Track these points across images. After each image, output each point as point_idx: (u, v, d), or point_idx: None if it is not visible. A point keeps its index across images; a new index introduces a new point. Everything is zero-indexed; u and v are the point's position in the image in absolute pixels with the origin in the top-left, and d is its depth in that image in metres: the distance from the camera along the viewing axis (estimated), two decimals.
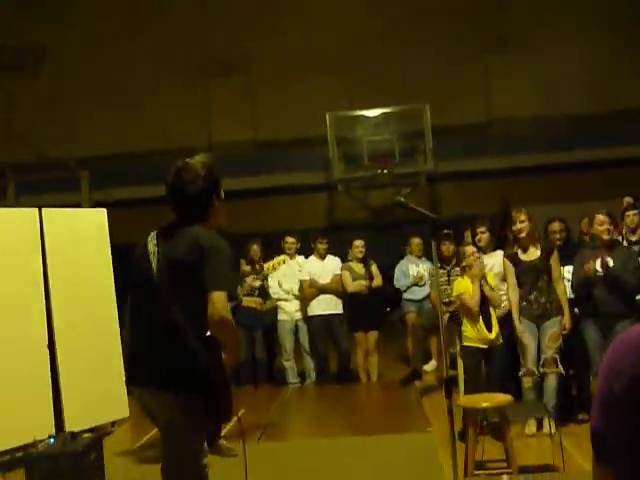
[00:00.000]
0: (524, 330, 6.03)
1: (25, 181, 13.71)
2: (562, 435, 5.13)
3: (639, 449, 1.45)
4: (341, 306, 8.80)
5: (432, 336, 8.80)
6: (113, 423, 7.04)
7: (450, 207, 13.09)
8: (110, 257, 7.15)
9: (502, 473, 4.90)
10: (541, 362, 5.97)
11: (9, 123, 13.89)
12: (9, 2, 13.65)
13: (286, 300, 8.88)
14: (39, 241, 6.49)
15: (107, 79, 13.74)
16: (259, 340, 8.82)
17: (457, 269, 7.41)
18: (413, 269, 9.17)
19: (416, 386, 8.26)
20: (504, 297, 6.40)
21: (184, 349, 3.12)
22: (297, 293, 8.86)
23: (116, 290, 7.03)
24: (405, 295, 9.21)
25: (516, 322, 6.06)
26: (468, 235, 7.58)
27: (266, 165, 13.86)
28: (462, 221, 8.19)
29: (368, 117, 12.81)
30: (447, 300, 7.28)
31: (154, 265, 3.27)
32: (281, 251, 8.63)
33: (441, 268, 7.87)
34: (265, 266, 7.65)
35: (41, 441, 4.78)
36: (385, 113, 12.73)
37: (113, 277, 7.10)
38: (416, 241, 9.26)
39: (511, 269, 6.18)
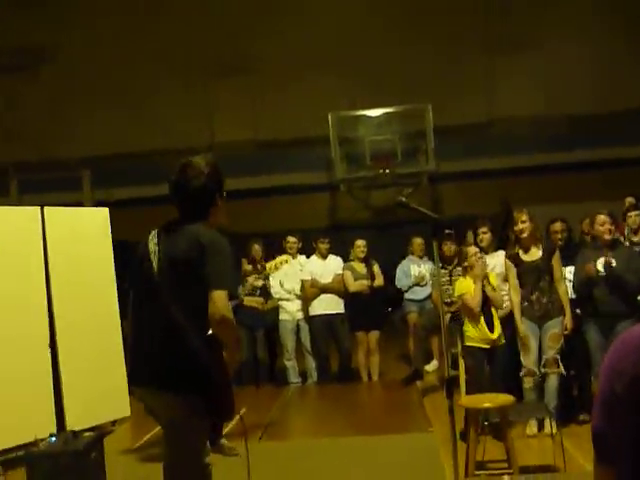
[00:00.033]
0: (526, 330, 6.02)
1: (27, 180, 13.73)
2: (563, 435, 5.13)
3: None
4: (343, 306, 8.79)
5: (433, 336, 8.81)
6: (114, 422, 7.05)
7: (452, 207, 13.08)
8: (112, 256, 7.15)
9: (503, 473, 4.89)
10: (542, 362, 5.96)
11: (11, 123, 13.89)
12: (9, 2, 13.65)
13: (288, 300, 8.88)
14: (41, 240, 6.49)
15: (108, 79, 13.75)
16: (260, 340, 8.83)
17: (459, 269, 7.41)
18: (415, 269, 9.17)
19: (417, 386, 8.27)
20: (506, 297, 6.40)
21: (185, 348, 3.12)
22: (299, 293, 8.86)
23: (118, 289, 7.04)
24: (406, 295, 9.20)
25: (518, 322, 6.05)
26: (470, 235, 7.59)
27: (268, 165, 13.87)
28: (464, 221, 8.19)
29: (370, 117, 12.81)
30: (449, 300, 7.29)
31: (155, 264, 3.27)
32: (283, 251, 8.64)
33: (443, 268, 7.88)
34: (267, 266, 7.65)
35: (42, 440, 4.78)
36: (387, 113, 12.73)
37: (115, 276, 7.11)
38: (418, 241, 9.26)
39: (513, 269, 6.17)
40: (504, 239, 7.03)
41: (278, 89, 13.64)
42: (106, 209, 7.30)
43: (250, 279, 8.56)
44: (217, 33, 13.68)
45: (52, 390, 6.33)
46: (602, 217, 6.09)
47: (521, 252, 6.17)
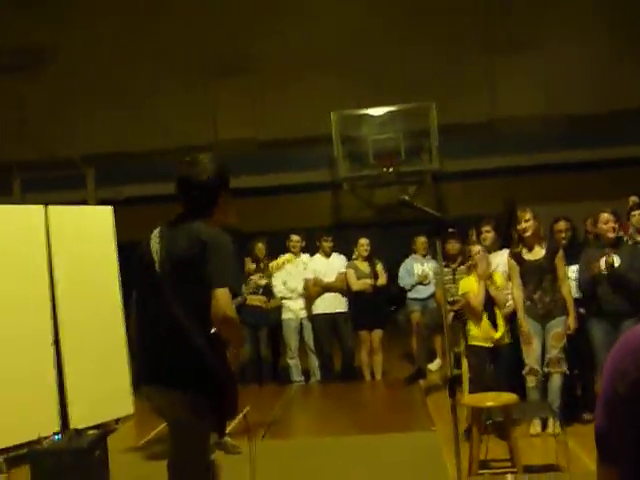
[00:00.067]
0: (529, 329, 6.01)
1: (31, 178, 13.75)
2: (567, 435, 5.13)
3: None
4: (346, 304, 8.79)
5: (436, 335, 8.80)
6: (118, 420, 7.07)
7: (456, 206, 13.07)
8: (116, 254, 7.16)
9: (506, 472, 4.89)
10: (545, 362, 5.96)
11: (15, 122, 13.91)
12: (9, 2, 13.67)
13: (291, 298, 8.88)
14: (45, 238, 6.51)
15: (108, 79, 13.75)
16: (264, 338, 8.83)
17: (462, 268, 7.41)
18: (418, 268, 9.17)
19: (420, 385, 8.26)
20: (509, 296, 6.39)
21: (188, 347, 3.12)
22: (302, 291, 8.86)
23: (122, 287, 7.05)
24: (410, 294, 9.21)
25: (521, 320, 6.04)
26: (473, 234, 7.58)
27: (271, 164, 13.88)
28: (467, 220, 8.18)
29: (373, 116, 12.81)
30: (452, 299, 7.28)
31: (157, 262, 3.27)
32: (286, 249, 8.64)
33: (446, 267, 7.87)
34: (270, 265, 7.64)
35: (46, 438, 4.80)
36: (390, 112, 12.72)
37: (119, 274, 7.12)
38: (421, 240, 9.25)
39: (516, 268, 6.16)
40: (508, 238, 7.02)
41: (278, 89, 13.64)
42: (110, 207, 7.31)
43: (254, 278, 8.55)
44: (217, 33, 13.67)
45: (56, 388, 6.35)
46: (606, 215, 6.08)
47: (524, 251, 6.16)
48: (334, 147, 12.60)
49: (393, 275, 9.24)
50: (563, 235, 6.77)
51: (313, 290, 8.77)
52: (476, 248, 6.41)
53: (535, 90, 13.08)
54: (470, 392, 6.01)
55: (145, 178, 13.57)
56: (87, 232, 6.93)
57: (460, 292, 6.55)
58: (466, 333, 6.36)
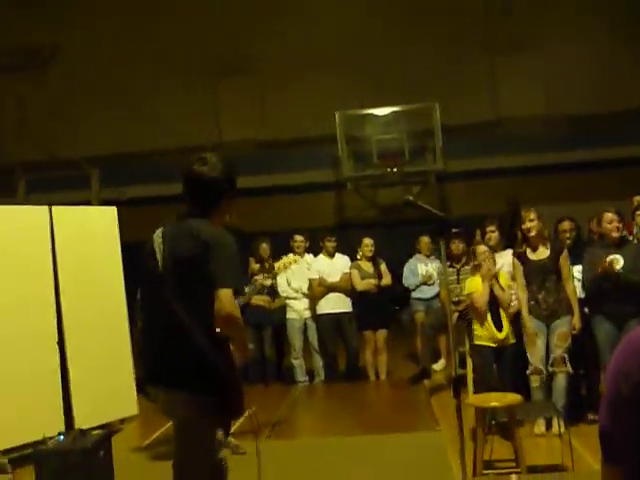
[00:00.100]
0: (534, 329, 6.00)
1: (35, 179, 13.77)
2: (571, 435, 5.11)
3: None
4: (350, 304, 8.79)
5: (441, 335, 8.80)
6: (122, 420, 7.07)
7: (459, 206, 13.07)
8: (120, 255, 7.17)
9: (511, 473, 4.89)
10: (550, 361, 5.94)
11: (19, 122, 13.94)
12: (9, 2, 13.69)
13: (295, 298, 8.89)
14: (49, 239, 6.51)
15: (108, 79, 13.79)
16: (268, 338, 8.83)
17: (466, 268, 7.41)
18: (422, 268, 9.16)
19: (425, 385, 8.26)
20: (514, 297, 6.38)
21: (191, 347, 3.11)
22: (306, 291, 8.86)
23: (126, 288, 7.06)
24: (414, 294, 9.20)
25: (525, 319, 6.03)
26: (478, 234, 7.58)
27: (274, 164, 13.88)
28: (471, 220, 8.18)
29: (377, 116, 12.83)
30: (456, 299, 7.28)
31: (160, 262, 3.27)
32: (290, 250, 8.64)
33: (451, 267, 7.87)
34: (275, 266, 7.64)
35: (50, 438, 4.80)
36: (395, 112, 12.74)
37: (123, 275, 7.13)
38: (425, 240, 9.25)
39: (520, 268, 6.15)
40: (511, 238, 7.01)
41: (278, 89, 13.66)
42: (114, 208, 7.32)
43: (258, 278, 8.55)
44: (217, 33, 13.69)
45: (60, 388, 6.35)
46: (609, 215, 6.06)
47: (528, 251, 6.15)
48: (338, 147, 12.61)
49: (397, 275, 9.23)
50: (567, 235, 6.75)
51: (317, 290, 8.77)
52: (482, 248, 6.41)
53: (535, 90, 13.09)
54: (474, 392, 6.01)
55: (148, 179, 13.59)
56: (91, 232, 6.94)
57: (465, 292, 6.55)
58: (471, 333, 6.36)
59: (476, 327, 6.24)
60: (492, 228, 7.16)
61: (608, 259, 5.85)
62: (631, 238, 6.65)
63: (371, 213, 13.69)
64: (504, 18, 13.37)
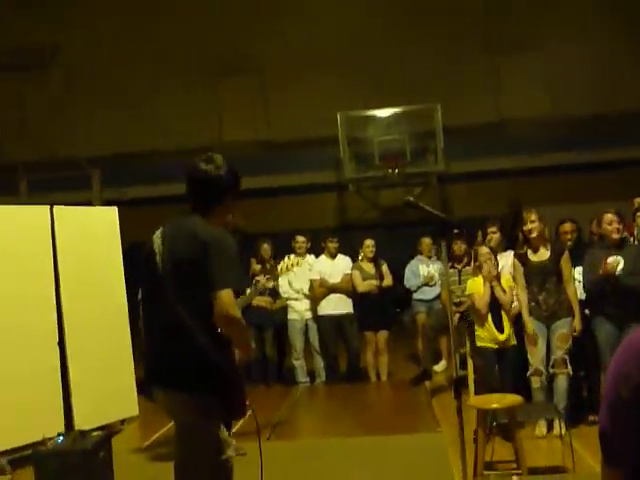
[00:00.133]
0: (534, 330, 5.99)
1: (37, 179, 13.75)
2: (572, 436, 5.10)
3: None
4: (351, 306, 8.79)
5: (442, 336, 8.79)
6: (123, 421, 7.06)
7: (461, 207, 13.06)
8: (121, 255, 7.17)
9: (512, 474, 4.88)
10: (551, 363, 5.93)
11: (20, 122, 13.94)
12: (9, 2, 13.69)
13: (296, 299, 8.88)
14: (50, 239, 6.51)
15: (108, 79, 13.79)
16: (269, 339, 8.83)
17: (468, 269, 7.40)
18: (423, 269, 9.16)
19: (426, 386, 8.25)
20: (514, 298, 6.37)
21: (193, 347, 3.10)
22: (307, 292, 8.86)
23: (127, 288, 7.05)
24: (415, 295, 9.20)
25: (526, 320, 6.01)
26: (480, 235, 7.58)
27: (275, 165, 13.87)
28: (473, 221, 8.17)
29: (379, 117, 12.82)
30: (457, 300, 7.27)
31: (159, 263, 3.26)
32: (291, 250, 8.63)
33: (452, 268, 7.86)
34: (278, 267, 7.62)
35: (50, 439, 4.79)
36: (396, 113, 12.73)
37: (124, 275, 7.12)
38: (427, 241, 9.25)
39: (520, 269, 6.14)
40: (513, 239, 7.00)
41: (278, 89, 13.66)
42: (115, 208, 7.32)
43: (261, 280, 8.53)
44: (217, 33, 13.68)
45: (60, 389, 6.35)
46: (609, 216, 6.04)
47: (529, 252, 6.14)
48: (340, 148, 12.60)
49: (399, 276, 9.23)
50: (569, 236, 6.74)
51: (319, 291, 8.77)
52: (484, 249, 6.40)
53: (536, 90, 13.07)
54: (476, 393, 6.00)
55: (150, 180, 13.58)
56: (92, 232, 6.94)
57: (467, 292, 6.54)
58: (473, 334, 6.35)
59: (478, 328, 6.23)
60: (493, 229, 7.15)
61: (608, 261, 5.84)
62: (632, 239, 6.64)
63: (372, 214, 13.68)
64: (504, 18, 13.35)
